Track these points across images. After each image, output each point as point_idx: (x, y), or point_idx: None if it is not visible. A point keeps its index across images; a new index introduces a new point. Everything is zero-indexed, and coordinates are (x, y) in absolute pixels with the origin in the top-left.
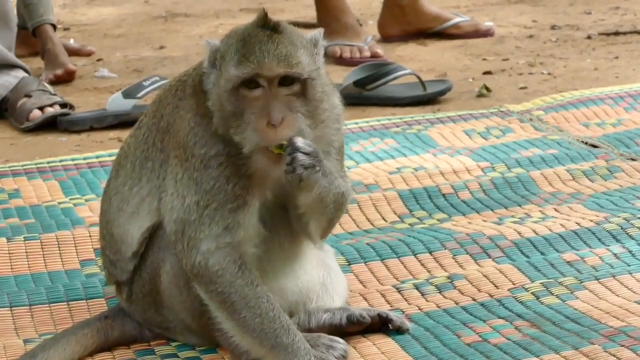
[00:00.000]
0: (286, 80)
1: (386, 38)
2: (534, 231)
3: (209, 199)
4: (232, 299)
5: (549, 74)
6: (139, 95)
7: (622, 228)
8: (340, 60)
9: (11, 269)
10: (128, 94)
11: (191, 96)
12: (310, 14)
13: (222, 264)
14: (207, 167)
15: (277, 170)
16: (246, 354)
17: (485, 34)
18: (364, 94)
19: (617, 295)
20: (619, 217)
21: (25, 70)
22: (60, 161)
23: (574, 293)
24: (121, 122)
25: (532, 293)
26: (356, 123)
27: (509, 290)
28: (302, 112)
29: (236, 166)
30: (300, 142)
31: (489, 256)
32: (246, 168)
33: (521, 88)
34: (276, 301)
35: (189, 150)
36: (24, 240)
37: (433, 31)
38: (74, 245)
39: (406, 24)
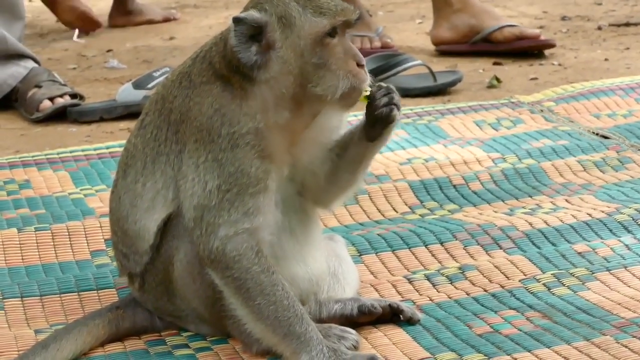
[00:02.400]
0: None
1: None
2: (545, 222)
3: (231, 183)
4: (247, 286)
5: (560, 65)
6: (149, 86)
7: (633, 219)
8: None
9: (22, 259)
10: (138, 85)
11: (207, 83)
12: None
13: (240, 250)
14: (234, 146)
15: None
16: (258, 342)
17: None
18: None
19: (629, 286)
20: (630, 208)
21: (35, 61)
22: (71, 152)
23: (586, 284)
24: (131, 112)
25: (544, 284)
26: None
27: (520, 281)
28: None
29: (263, 145)
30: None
31: (500, 247)
32: (272, 146)
33: (532, 79)
34: (289, 289)
35: (214, 131)
36: (34, 231)
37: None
38: (84, 235)
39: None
